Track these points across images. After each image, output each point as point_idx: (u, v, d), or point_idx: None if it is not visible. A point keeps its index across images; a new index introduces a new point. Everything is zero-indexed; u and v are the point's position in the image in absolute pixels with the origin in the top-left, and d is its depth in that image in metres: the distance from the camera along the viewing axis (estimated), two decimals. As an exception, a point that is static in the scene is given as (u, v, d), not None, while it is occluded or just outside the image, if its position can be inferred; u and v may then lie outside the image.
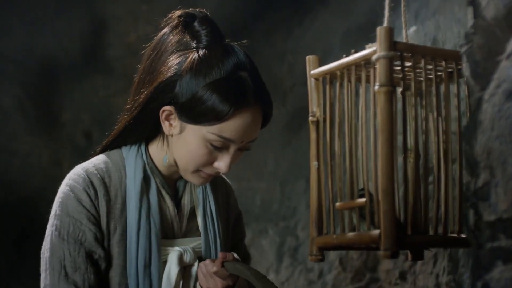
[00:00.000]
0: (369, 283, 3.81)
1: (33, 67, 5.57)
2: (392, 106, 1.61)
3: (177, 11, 1.94)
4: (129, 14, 5.66)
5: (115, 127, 2.01)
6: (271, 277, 4.37)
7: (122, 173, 1.94)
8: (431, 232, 1.68)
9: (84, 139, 5.69)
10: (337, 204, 1.73)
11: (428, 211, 1.68)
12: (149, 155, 1.97)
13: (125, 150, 1.97)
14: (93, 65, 5.72)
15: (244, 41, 1.94)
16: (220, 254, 1.89)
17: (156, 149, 1.97)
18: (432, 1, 3.79)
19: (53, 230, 1.89)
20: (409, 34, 3.77)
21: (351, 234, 1.69)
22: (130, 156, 1.95)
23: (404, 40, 1.91)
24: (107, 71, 5.70)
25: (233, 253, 1.93)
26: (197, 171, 1.91)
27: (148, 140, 1.98)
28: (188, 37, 1.92)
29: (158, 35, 1.94)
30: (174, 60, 1.88)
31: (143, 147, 1.96)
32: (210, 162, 1.89)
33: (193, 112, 1.83)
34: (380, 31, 1.62)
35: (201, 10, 1.95)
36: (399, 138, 1.66)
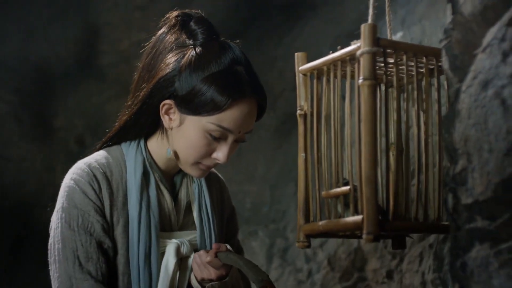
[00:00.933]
0: (357, 283, 3.86)
1: (27, 74, 5.59)
2: (375, 98, 1.69)
3: (174, 12, 2.02)
4: (122, 22, 5.69)
5: (116, 123, 2.06)
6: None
7: (123, 167, 2.00)
8: (412, 218, 1.75)
9: (77, 145, 5.70)
10: (323, 192, 1.81)
11: (409, 199, 1.76)
12: (148, 150, 2.02)
13: (124, 146, 2.02)
14: (86, 72, 5.75)
15: (237, 40, 2.01)
16: (213, 245, 1.96)
17: (155, 145, 2.02)
18: (418, 8, 3.88)
19: (63, 222, 1.93)
20: (395, 39, 3.87)
21: (336, 221, 1.77)
22: (130, 151, 2.01)
23: (389, 38, 1.99)
24: (101, 77, 5.73)
25: (226, 244, 1.99)
26: (196, 163, 1.97)
27: (147, 137, 2.03)
28: (185, 35, 1.98)
29: (157, 34, 2.01)
30: (172, 57, 1.95)
31: (142, 143, 2.02)
32: (209, 153, 1.95)
33: (193, 104, 1.90)
34: (364, 28, 1.70)
35: (196, 11, 2.03)
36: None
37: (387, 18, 2.01)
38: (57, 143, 5.69)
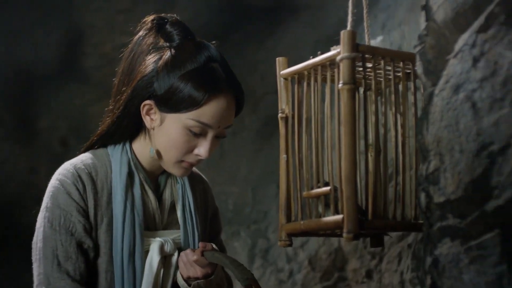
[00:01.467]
0: (337, 282, 3.89)
1: (10, 76, 5.59)
2: (354, 102, 1.75)
3: (150, 16, 2.08)
4: (105, 25, 5.71)
5: (99, 128, 2.10)
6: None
7: (108, 168, 2.03)
8: (390, 218, 1.82)
9: (60, 146, 5.73)
10: (304, 193, 1.87)
11: (387, 198, 1.82)
12: (133, 152, 2.07)
13: (110, 148, 2.06)
14: (69, 74, 5.77)
15: (213, 42, 2.07)
16: (200, 244, 2.00)
17: (139, 146, 2.07)
18: (398, 12, 3.94)
19: (46, 222, 1.97)
20: (376, 43, 3.94)
21: (317, 220, 1.83)
22: (115, 153, 2.05)
23: (367, 44, 2.06)
24: (84, 80, 5.75)
25: (212, 243, 2.04)
26: (179, 162, 2.01)
27: (131, 139, 2.08)
28: (162, 38, 2.03)
29: (134, 38, 2.06)
30: (150, 59, 2.00)
31: (127, 145, 2.06)
32: (190, 149, 1.99)
33: (172, 101, 1.95)
34: (343, 34, 1.76)
35: (172, 14, 2.09)
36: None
37: (365, 24, 2.08)
38: (40, 144, 5.70)
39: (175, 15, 2.10)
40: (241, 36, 5.48)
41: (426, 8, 1.67)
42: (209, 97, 1.95)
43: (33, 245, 2.02)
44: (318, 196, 1.83)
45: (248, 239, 4.75)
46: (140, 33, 2.06)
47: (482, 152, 1.50)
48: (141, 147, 2.07)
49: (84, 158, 2.06)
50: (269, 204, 4.79)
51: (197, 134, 1.98)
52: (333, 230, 1.86)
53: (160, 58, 1.99)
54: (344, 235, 1.70)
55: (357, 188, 1.74)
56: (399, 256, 3.52)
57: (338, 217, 1.73)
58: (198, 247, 2.04)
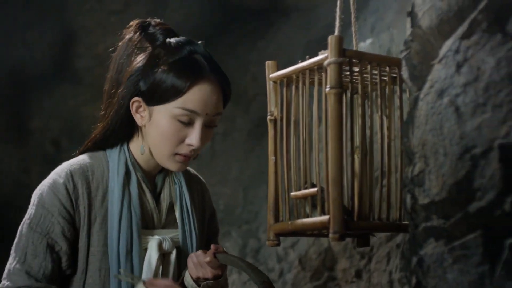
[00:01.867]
0: (327, 282, 3.93)
1: (3, 77, 5.63)
2: (341, 105, 1.79)
3: (134, 21, 2.12)
4: (98, 26, 5.76)
5: (92, 133, 2.12)
6: (234, 277, 4.47)
7: (105, 168, 2.06)
8: (375, 218, 1.86)
9: (52, 147, 5.77)
10: (292, 194, 1.90)
11: (373, 200, 1.86)
12: (131, 152, 2.10)
13: (108, 150, 2.10)
14: (62, 75, 5.81)
15: (200, 41, 2.10)
16: (212, 246, 2.01)
17: (135, 146, 2.10)
18: (387, 16, 3.97)
19: (26, 219, 2.01)
20: (365, 46, 3.98)
21: (304, 220, 1.86)
22: (113, 153, 2.08)
23: (355, 49, 2.09)
24: (76, 81, 5.80)
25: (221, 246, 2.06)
26: (172, 155, 2.04)
27: (128, 140, 2.11)
28: (145, 39, 2.08)
29: (120, 43, 2.10)
30: (136, 60, 2.05)
31: (125, 146, 2.10)
32: (181, 139, 2.02)
33: (157, 94, 2.00)
34: (331, 40, 1.80)
35: (154, 18, 2.13)
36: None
37: (353, 28, 2.11)
38: (32, 145, 5.75)
39: (157, 18, 2.15)
40: (232, 38, 5.52)
41: (412, 14, 1.71)
42: (192, 84, 1.99)
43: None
44: (305, 197, 1.87)
45: (239, 239, 4.77)
46: (126, 38, 2.10)
47: (465, 155, 1.54)
48: (137, 147, 2.11)
49: (81, 158, 2.08)
50: (260, 205, 4.82)
51: (186, 123, 2.00)
52: (320, 231, 1.90)
53: (145, 58, 2.05)
54: (330, 235, 1.74)
55: (343, 189, 1.77)
56: (388, 256, 3.56)
57: (325, 217, 1.76)
58: (197, 247, 2.08)
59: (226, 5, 5.64)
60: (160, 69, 2.00)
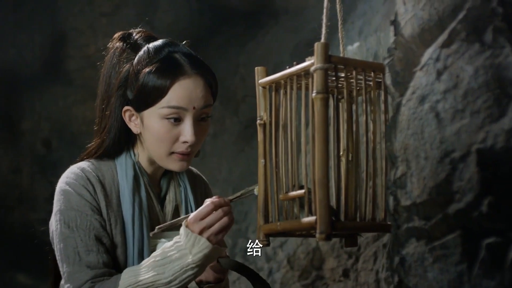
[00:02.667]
0: (315, 281, 3.98)
1: (-5, 78, 5.65)
2: (327, 110, 1.84)
3: (116, 34, 2.15)
4: (89, 28, 5.79)
5: (88, 147, 2.13)
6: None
7: (114, 171, 2.08)
8: (360, 219, 1.91)
9: (43, 147, 5.76)
10: (281, 195, 1.95)
11: (359, 201, 1.91)
12: (136, 156, 2.12)
13: (114, 157, 2.12)
14: (53, 76, 5.83)
15: (184, 42, 2.13)
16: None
17: (139, 151, 2.12)
18: (374, 20, 4.01)
19: (62, 224, 1.99)
20: (352, 49, 4.04)
21: (292, 221, 1.92)
22: (120, 158, 2.10)
23: (341, 55, 2.15)
24: (67, 82, 5.82)
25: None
26: (170, 154, 2.05)
27: (133, 145, 2.13)
28: (129, 49, 2.11)
29: (106, 57, 2.13)
30: (123, 70, 2.07)
31: (131, 151, 2.11)
32: (175, 138, 2.03)
33: (142, 98, 2.02)
34: (317, 46, 1.85)
35: (135, 29, 2.17)
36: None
37: (339, 35, 2.17)
38: (23, 145, 5.75)
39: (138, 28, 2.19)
40: (222, 40, 5.55)
41: (395, 23, 1.78)
42: (172, 82, 2.00)
43: (56, 248, 2.04)
44: (293, 199, 1.92)
45: (228, 238, 4.81)
46: (111, 52, 2.12)
47: (445, 159, 1.61)
48: (140, 152, 2.13)
49: (89, 162, 2.09)
50: (249, 205, 4.86)
51: (176, 120, 2.02)
52: (308, 231, 1.94)
53: (130, 67, 2.07)
54: (317, 235, 1.78)
55: (329, 191, 1.83)
56: (375, 256, 3.60)
57: (312, 218, 1.80)
58: None
59: (216, 8, 5.67)
60: (141, 74, 2.02)
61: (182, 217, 2.01)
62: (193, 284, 2.07)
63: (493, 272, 1.51)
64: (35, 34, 5.79)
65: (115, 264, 2.03)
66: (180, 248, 1.92)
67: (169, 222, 1.99)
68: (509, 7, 1.50)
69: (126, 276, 1.95)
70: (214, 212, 1.93)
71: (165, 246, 1.94)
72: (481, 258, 1.54)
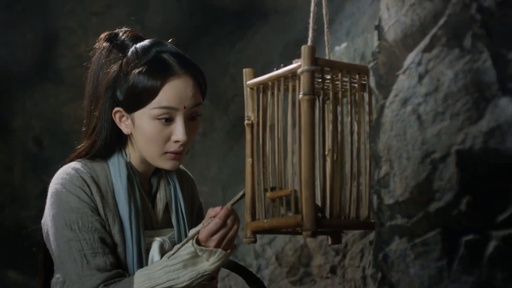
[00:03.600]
0: (303, 277, 4.02)
1: (-14, 76, 5.66)
2: (313, 111, 1.90)
3: (102, 34, 2.18)
4: (79, 27, 5.83)
5: (78, 148, 2.15)
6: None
7: (107, 172, 2.10)
8: (345, 217, 1.97)
9: (35, 145, 5.80)
10: (268, 194, 2.01)
11: (343, 200, 1.97)
12: (127, 156, 2.15)
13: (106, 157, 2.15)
14: (44, 75, 5.87)
15: (170, 40, 2.18)
16: None
17: (130, 151, 2.15)
18: (362, 20, 4.07)
19: (64, 226, 2.00)
20: (340, 49, 4.09)
21: (279, 218, 1.97)
22: (112, 158, 2.13)
23: (327, 57, 2.20)
24: (58, 80, 5.85)
25: None
26: (163, 154, 2.08)
27: (124, 145, 2.16)
28: (116, 49, 2.14)
29: (93, 58, 2.15)
30: (110, 71, 2.10)
31: (122, 151, 2.15)
32: (167, 138, 2.07)
33: (133, 99, 2.05)
34: (304, 49, 1.90)
35: (121, 29, 2.20)
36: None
37: (325, 38, 2.22)
38: (15, 144, 5.78)
39: (124, 28, 2.21)
40: (212, 39, 5.58)
41: (379, 28, 1.83)
42: (163, 83, 2.03)
43: (54, 251, 2.06)
44: (280, 197, 1.97)
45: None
46: (97, 53, 2.15)
47: (426, 159, 1.66)
48: (132, 152, 2.15)
49: (82, 163, 2.11)
50: (238, 203, 4.90)
51: (167, 120, 2.05)
52: (294, 228, 2.00)
53: (117, 68, 2.09)
54: (303, 232, 1.84)
55: (315, 190, 1.88)
56: (361, 253, 3.67)
57: (298, 216, 1.87)
58: None
59: (206, 7, 5.70)
60: (131, 76, 2.04)
61: (192, 233, 2.02)
62: None
63: (471, 268, 1.57)
64: (27, 33, 5.82)
65: (118, 264, 2.04)
66: (196, 256, 1.97)
67: (183, 241, 2.00)
68: (487, 14, 1.56)
69: (140, 280, 1.98)
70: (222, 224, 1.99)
71: (178, 253, 1.97)
72: (460, 255, 1.60)
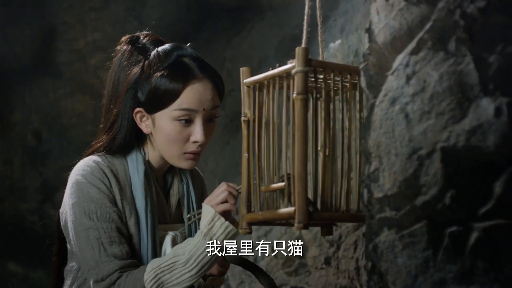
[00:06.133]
0: (298, 268, 4.07)
1: (-15, 71, 5.70)
2: (306, 110, 1.97)
3: (123, 37, 2.25)
4: (78, 22, 5.85)
5: (94, 144, 2.21)
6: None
7: (126, 167, 2.17)
8: (336, 210, 2.05)
9: (34, 139, 5.85)
10: (263, 187, 2.08)
11: (335, 193, 2.05)
12: (146, 153, 2.22)
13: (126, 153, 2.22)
14: (43, 69, 5.91)
15: (189, 44, 2.24)
16: None
17: (149, 149, 2.22)
18: (355, 18, 4.12)
19: (82, 215, 2.08)
20: (334, 46, 4.16)
21: (273, 211, 2.05)
22: (131, 154, 2.20)
23: (320, 57, 2.28)
24: (57, 75, 5.90)
25: None
26: (182, 154, 2.15)
27: (143, 142, 2.23)
28: (137, 52, 2.22)
29: (114, 59, 2.22)
30: (131, 73, 2.18)
31: (141, 148, 2.22)
32: (186, 139, 2.13)
33: (155, 101, 2.12)
34: (298, 51, 1.97)
35: (141, 32, 2.27)
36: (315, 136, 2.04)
37: (319, 38, 2.30)
38: (14, 137, 5.84)
39: (144, 31, 2.28)
40: (208, 34, 5.62)
41: (369, 31, 1.92)
42: (184, 86, 2.09)
43: (72, 239, 2.13)
44: (274, 190, 2.05)
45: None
46: (119, 55, 2.22)
47: (413, 156, 1.75)
48: (150, 151, 2.22)
49: (103, 156, 2.18)
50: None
51: (187, 122, 2.12)
52: (287, 220, 2.07)
53: (139, 70, 2.17)
54: (296, 225, 1.90)
55: (307, 183, 1.95)
56: (355, 244, 3.72)
57: (291, 209, 1.92)
58: None
59: (202, 3, 5.74)
60: (153, 78, 2.11)
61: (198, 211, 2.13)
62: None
63: (455, 257, 1.66)
64: (25, 28, 5.85)
65: (132, 254, 2.11)
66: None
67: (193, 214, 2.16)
68: (470, 20, 1.65)
69: (151, 263, 2.05)
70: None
71: (186, 247, 2.04)
72: (444, 245, 1.68)
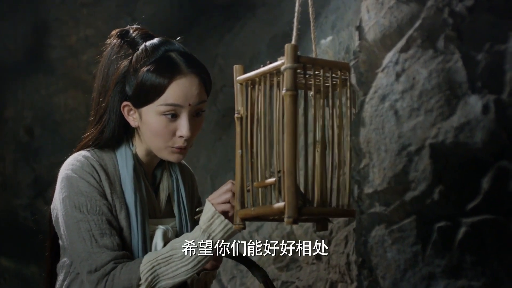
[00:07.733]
0: (289, 263, 4.12)
1: (-23, 67, 5.71)
2: (296, 105, 1.98)
3: (113, 31, 2.26)
4: (70, 18, 5.82)
5: (84, 138, 2.22)
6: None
7: (115, 161, 2.19)
8: (327, 205, 2.07)
9: (26, 135, 5.83)
10: (255, 183, 2.10)
11: (325, 189, 2.07)
12: (134, 147, 2.23)
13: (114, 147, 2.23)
14: (35, 65, 5.90)
15: (178, 38, 2.25)
16: None
17: (137, 143, 2.23)
18: (347, 15, 4.14)
19: (73, 208, 2.09)
20: (326, 42, 4.18)
21: (265, 206, 2.07)
22: (120, 148, 2.21)
23: (313, 54, 2.29)
24: (49, 71, 5.89)
25: None
26: (168, 148, 2.16)
27: (131, 136, 2.23)
28: (126, 45, 2.22)
29: (104, 53, 2.23)
30: (120, 67, 2.18)
31: (130, 142, 2.22)
32: (172, 133, 2.14)
33: (141, 96, 2.13)
34: (287, 48, 1.98)
35: (131, 26, 2.28)
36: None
37: (312, 35, 2.32)
38: (6, 133, 5.83)
39: (135, 25, 2.29)
40: (201, 31, 5.62)
41: (359, 28, 1.94)
42: (170, 81, 2.10)
43: (63, 233, 2.15)
44: (266, 186, 2.07)
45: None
46: (108, 48, 2.23)
47: (402, 152, 1.78)
48: (138, 144, 2.23)
49: (92, 151, 2.19)
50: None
51: (173, 116, 2.13)
52: (279, 216, 2.09)
53: (128, 63, 2.18)
54: (285, 219, 1.91)
55: (296, 178, 1.96)
56: (346, 239, 3.70)
57: (281, 204, 1.93)
58: None
59: (195, 0, 5.77)
60: (140, 73, 2.12)
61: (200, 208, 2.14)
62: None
63: (443, 252, 1.68)
64: (18, 24, 5.85)
65: (124, 247, 2.12)
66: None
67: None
68: (458, 18, 1.67)
69: (147, 255, 2.07)
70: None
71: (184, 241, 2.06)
72: (433, 240, 1.71)
